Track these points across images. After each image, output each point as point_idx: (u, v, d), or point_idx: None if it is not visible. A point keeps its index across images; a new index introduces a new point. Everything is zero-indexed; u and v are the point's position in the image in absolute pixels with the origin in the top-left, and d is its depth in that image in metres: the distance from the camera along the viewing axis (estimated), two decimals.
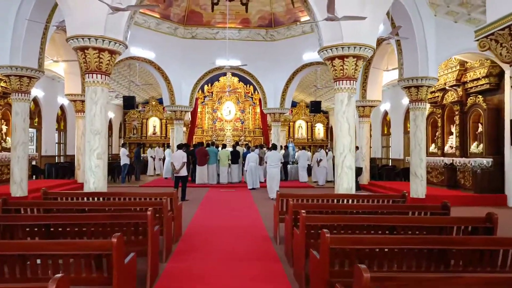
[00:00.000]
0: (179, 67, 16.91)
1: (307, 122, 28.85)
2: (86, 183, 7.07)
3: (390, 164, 18.58)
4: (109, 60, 7.13)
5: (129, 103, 16.22)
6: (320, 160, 15.52)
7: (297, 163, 17.70)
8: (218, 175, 15.53)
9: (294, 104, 25.59)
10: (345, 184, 7.35)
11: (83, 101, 13.84)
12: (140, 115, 27.49)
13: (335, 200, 6.10)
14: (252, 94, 27.07)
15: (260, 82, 17.64)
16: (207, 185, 14.96)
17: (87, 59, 7.00)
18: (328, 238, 3.25)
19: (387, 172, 15.68)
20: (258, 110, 26.87)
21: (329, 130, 29.46)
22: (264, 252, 5.80)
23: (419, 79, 10.28)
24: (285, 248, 5.68)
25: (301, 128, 29.15)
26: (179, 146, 11.12)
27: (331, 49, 7.26)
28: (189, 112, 24.67)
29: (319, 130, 29.30)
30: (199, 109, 26.35)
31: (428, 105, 14.09)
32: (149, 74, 18.45)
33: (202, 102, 26.74)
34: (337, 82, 7.45)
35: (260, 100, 25.31)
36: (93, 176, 7.01)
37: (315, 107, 17.07)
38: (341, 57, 7.25)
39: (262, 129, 25.90)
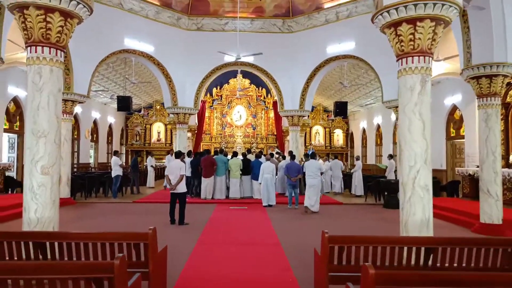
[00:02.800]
0: (182, 63, 14.60)
1: (325, 128, 26.37)
2: (25, 211, 4.66)
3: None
4: (61, 27, 4.76)
5: (123, 104, 13.92)
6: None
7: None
8: (228, 188, 13.08)
9: (311, 108, 23.11)
10: (419, 213, 4.81)
11: (66, 101, 11.58)
12: (143, 120, 25.39)
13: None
14: (264, 98, 24.76)
15: (276, 80, 15.21)
16: (214, 200, 12.51)
17: (27, 23, 4.64)
18: None
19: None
20: (271, 115, 24.54)
21: (349, 137, 26.88)
22: None
23: (494, 66, 7.70)
24: None
25: (318, 135, 26.67)
26: (177, 155, 8.70)
27: (396, 10, 4.78)
28: (196, 117, 22.43)
29: (338, 137, 26.77)
30: (207, 114, 24.09)
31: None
32: (149, 73, 16.18)
33: (211, 106, 24.50)
34: (404, 59, 4.95)
35: (274, 103, 22.93)
36: (35, 200, 4.61)
37: (340, 109, 14.55)
38: (412, 21, 4.76)
39: (276, 135, 23.44)
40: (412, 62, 4.90)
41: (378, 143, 22.07)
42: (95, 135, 21.29)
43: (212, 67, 14.92)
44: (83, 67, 12.05)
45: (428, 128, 4.86)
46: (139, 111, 24.26)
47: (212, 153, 14.16)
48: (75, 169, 18.42)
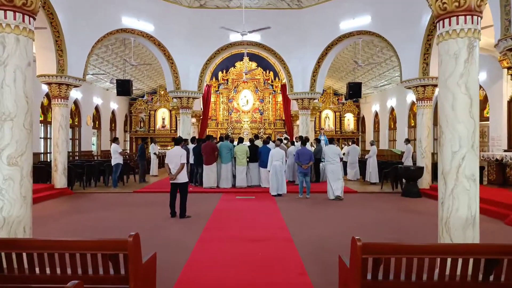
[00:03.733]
0: (184, 43, 13.69)
1: (335, 112, 25.36)
2: None
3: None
4: None
5: (123, 88, 13.10)
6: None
7: None
8: (234, 176, 12.31)
9: (322, 91, 22.15)
10: (464, 209, 3.94)
11: (60, 84, 10.80)
12: (147, 106, 24.61)
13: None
14: (272, 81, 23.78)
15: (284, 61, 14.24)
16: (219, 190, 11.76)
17: None
18: None
19: None
20: (279, 99, 23.60)
21: (360, 121, 25.85)
22: None
23: None
24: None
25: (328, 119, 25.69)
26: (177, 141, 7.89)
27: None
28: (201, 102, 21.59)
29: (349, 121, 25.76)
30: (212, 99, 23.24)
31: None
32: (150, 55, 15.31)
33: (216, 90, 23.61)
34: (446, 20, 4.02)
35: (282, 86, 21.95)
36: (0, 197, 3.84)
37: (354, 90, 13.57)
38: None
39: (285, 120, 22.52)
40: (457, 23, 3.97)
41: (392, 127, 21.07)
42: (97, 122, 20.61)
43: (217, 47, 13.99)
44: (77, 48, 11.22)
45: (476, 105, 3.96)
46: (142, 96, 23.47)
47: (218, 139, 13.35)
48: (77, 157, 17.81)
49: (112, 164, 12.04)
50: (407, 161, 12.95)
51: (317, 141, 14.17)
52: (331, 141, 10.94)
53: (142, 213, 8.42)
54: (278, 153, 10.65)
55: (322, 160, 14.16)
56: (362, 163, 14.34)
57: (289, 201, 10.04)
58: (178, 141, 7.84)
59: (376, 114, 23.33)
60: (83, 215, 8.23)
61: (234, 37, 13.86)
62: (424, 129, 11.29)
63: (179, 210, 7.69)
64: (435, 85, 11.20)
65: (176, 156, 7.56)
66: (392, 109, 20.67)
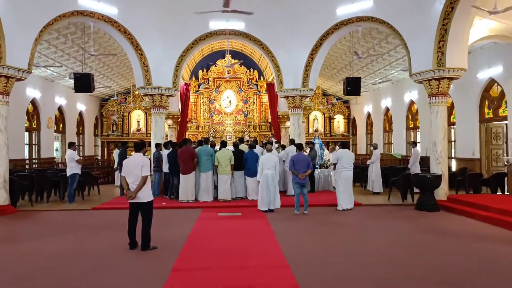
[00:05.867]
0: (156, 31, 11.68)
1: (324, 114, 23.71)
2: None
3: (453, 166, 13.38)
4: None
5: (82, 83, 10.95)
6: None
7: (326, 167, 12.53)
8: (216, 187, 10.38)
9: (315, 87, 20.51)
10: None
11: (8, 78, 8.68)
12: (120, 108, 22.37)
13: None
14: (257, 80, 21.98)
15: (273, 53, 12.40)
16: (198, 204, 9.79)
17: None
18: None
19: (470, 179, 10.43)
20: (264, 99, 21.81)
21: (350, 123, 24.28)
22: None
23: None
24: None
25: (317, 121, 24.02)
26: (138, 146, 5.87)
27: None
28: (179, 103, 19.55)
29: (339, 123, 24.16)
30: (192, 100, 21.25)
31: None
32: (116, 44, 13.23)
33: (196, 91, 21.66)
34: None
35: (268, 85, 20.08)
36: None
37: (352, 86, 11.80)
38: None
39: (271, 122, 20.70)
40: None
41: (387, 129, 19.51)
42: (60, 125, 18.28)
43: (195, 36, 12.02)
44: (21, 32, 9.11)
45: None
46: (113, 96, 21.25)
47: (197, 143, 11.36)
48: (35, 165, 15.49)
49: (68, 175, 9.89)
50: (415, 167, 11.31)
51: (311, 144, 12.36)
52: (345, 145, 9.21)
53: (93, 241, 6.39)
54: (269, 159, 8.77)
55: (317, 166, 12.42)
56: (361, 169, 12.63)
57: (283, 219, 8.16)
58: (139, 147, 5.83)
59: (369, 116, 21.77)
60: (13, 245, 6.13)
61: (215, 24, 11.95)
62: (439, 130, 9.63)
63: (141, 240, 5.70)
64: (452, 78, 9.57)
65: (136, 166, 5.58)
66: (387, 110, 19.11)
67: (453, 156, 13.72)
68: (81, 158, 10.37)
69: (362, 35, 12.26)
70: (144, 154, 5.88)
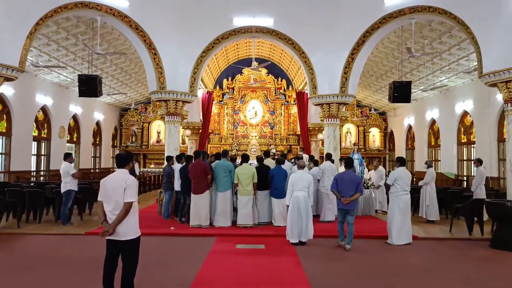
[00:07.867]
0: (172, 27, 10.24)
1: (358, 126, 21.67)
2: None
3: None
4: None
5: (88, 87, 9.58)
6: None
7: (368, 187, 10.52)
8: (235, 210, 8.61)
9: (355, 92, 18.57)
10: None
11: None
12: (140, 118, 21.28)
13: None
14: (285, 90, 20.32)
15: (306, 53, 10.65)
16: (212, 230, 8.04)
17: None
18: None
19: None
20: (293, 110, 20.08)
21: (387, 137, 22.07)
22: None
23: None
24: None
25: (349, 134, 22.02)
26: (122, 160, 4.18)
27: None
28: (200, 113, 18.09)
29: (374, 137, 22.04)
30: (215, 110, 19.75)
31: None
32: (127, 43, 11.91)
33: (220, 101, 20.19)
34: None
35: (298, 94, 18.23)
36: None
37: (401, 92, 9.85)
38: None
39: (300, 135, 18.84)
40: None
41: (432, 143, 17.23)
42: (75, 135, 17.18)
43: (216, 34, 10.48)
44: (12, 25, 7.83)
45: None
46: (135, 106, 20.09)
47: (214, 157, 9.66)
48: (43, 178, 14.32)
49: (62, 192, 8.42)
50: (479, 190, 9.15)
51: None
52: (403, 162, 7.25)
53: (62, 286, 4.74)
54: (302, 178, 6.92)
55: None
56: (414, 191, 10.52)
57: (319, 257, 6.27)
58: (123, 160, 4.14)
59: (410, 128, 19.55)
60: None
61: (239, 21, 10.39)
62: None
63: None
64: None
65: (117, 189, 3.91)
66: (433, 122, 16.88)
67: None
68: (78, 172, 8.85)
69: (411, 33, 10.33)
70: (131, 170, 4.22)
